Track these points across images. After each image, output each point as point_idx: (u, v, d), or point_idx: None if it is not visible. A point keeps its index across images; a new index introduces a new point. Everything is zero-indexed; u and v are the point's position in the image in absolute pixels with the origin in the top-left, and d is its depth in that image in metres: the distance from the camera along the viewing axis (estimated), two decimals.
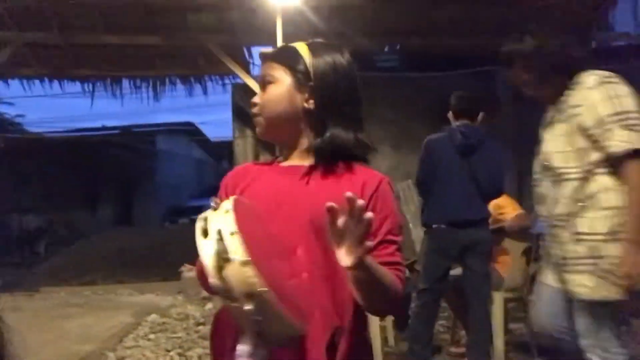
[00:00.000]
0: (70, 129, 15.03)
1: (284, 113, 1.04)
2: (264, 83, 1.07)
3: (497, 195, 3.10)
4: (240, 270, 0.75)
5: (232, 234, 0.77)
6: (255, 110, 1.08)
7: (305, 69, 1.04)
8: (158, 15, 6.15)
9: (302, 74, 1.04)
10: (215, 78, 7.75)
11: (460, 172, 2.97)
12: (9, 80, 7.76)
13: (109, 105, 9.46)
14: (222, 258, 0.76)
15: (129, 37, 6.42)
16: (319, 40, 1.14)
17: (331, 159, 1.03)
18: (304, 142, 1.06)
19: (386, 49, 7.22)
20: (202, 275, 0.95)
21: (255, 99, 1.08)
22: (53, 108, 16.19)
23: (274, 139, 1.12)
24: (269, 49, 1.22)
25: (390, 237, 1.00)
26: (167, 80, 7.88)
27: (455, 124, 3.05)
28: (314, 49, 1.08)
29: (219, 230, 0.78)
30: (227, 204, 0.82)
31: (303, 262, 0.95)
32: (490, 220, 3.09)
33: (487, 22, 6.27)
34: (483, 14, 6.19)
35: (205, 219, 0.81)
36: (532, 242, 3.22)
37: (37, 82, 7.66)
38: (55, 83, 7.77)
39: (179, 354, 3.66)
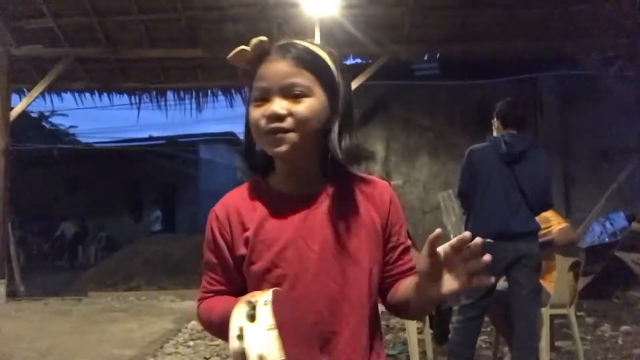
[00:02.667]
0: (118, 139, 15.66)
1: (317, 133, 0.91)
2: (289, 92, 0.89)
3: (547, 207, 2.95)
4: None
5: None
6: (285, 124, 0.88)
7: (336, 87, 0.93)
8: (198, 28, 6.34)
9: (333, 93, 0.92)
10: None
11: (505, 183, 2.85)
12: (62, 94, 8.16)
13: (154, 116, 9.81)
14: None
15: (171, 50, 6.65)
16: (318, 42, 0.99)
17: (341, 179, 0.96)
18: (315, 167, 0.95)
19: (425, 58, 7.13)
20: (208, 325, 0.96)
21: (278, 109, 0.88)
22: (103, 119, 16.95)
23: (294, 159, 0.92)
24: (288, 42, 0.94)
25: (407, 243, 1.00)
26: (209, 91, 8.11)
27: (501, 133, 2.93)
28: (334, 60, 0.95)
29: (260, 357, 0.70)
30: (268, 319, 0.73)
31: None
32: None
33: (528, 26, 6.09)
34: (524, 17, 6.01)
35: (241, 330, 0.73)
36: (580, 256, 3.06)
37: (87, 95, 8.06)
38: (104, 96, 8.15)
39: None
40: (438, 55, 7.11)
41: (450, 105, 7.00)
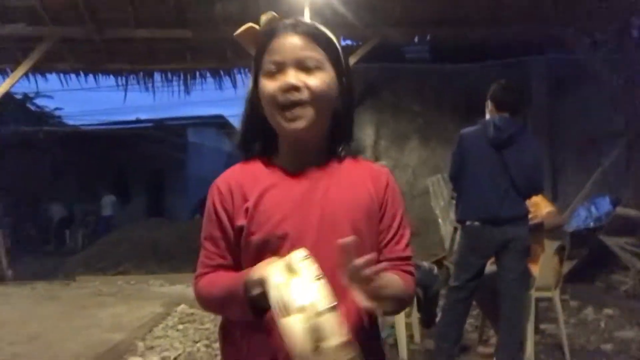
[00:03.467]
0: (105, 122, 15.42)
1: (330, 109, 0.93)
2: (303, 65, 0.90)
3: (536, 191, 2.95)
4: (340, 355, 0.68)
5: (328, 310, 0.69)
6: (302, 96, 0.88)
7: (342, 66, 0.95)
8: (187, 8, 6.22)
9: (341, 70, 0.94)
10: (244, 71, 7.79)
11: (494, 167, 2.84)
12: (47, 75, 7.99)
13: (141, 98, 9.68)
14: (317, 338, 0.67)
15: (159, 31, 6.52)
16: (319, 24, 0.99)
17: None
18: (321, 145, 0.97)
19: (415, 40, 7.08)
20: (209, 301, 0.95)
21: (295, 81, 0.88)
22: (89, 101, 16.71)
23: (306, 138, 0.93)
24: (296, 19, 0.95)
25: (401, 231, 0.99)
26: (197, 73, 7.99)
27: (493, 115, 2.90)
28: (338, 41, 0.96)
29: (309, 305, 0.69)
30: (312, 270, 0.72)
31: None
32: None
33: (519, 10, 6.06)
34: (514, 1, 5.97)
35: (279, 288, 0.72)
36: (565, 240, 3.10)
37: (73, 76, 7.89)
38: (90, 77, 7.99)
39: (206, 345, 3.71)
40: (428, 38, 7.07)
41: (440, 90, 6.98)
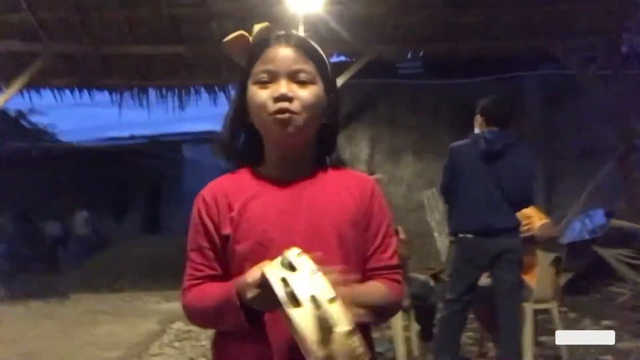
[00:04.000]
0: (100, 138, 15.39)
1: (317, 121, 0.94)
2: (296, 77, 0.92)
3: (527, 203, 2.99)
4: (347, 342, 0.69)
5: (330, 300, 0.70)
6: (292, 106, 0.90)
7: (331, 81, 0.97)
8: (182, 25, 6.27)
9: (329, 84, 0.96)
10: None
11: (485, 179, 2.88)
12: (42, 91, 7.99)
13: (136, 114, 9.67)
14: (324, 328, 0.69)
15: (154, 47, 6.56)
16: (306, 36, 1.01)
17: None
18: (308, 154, 0.98)
19: (409, 56, 7.17)
20: (200, 313, 0.93)
21: (287, 91, 0.90)
22: (84, 117, 16.64)
23: (294, 144, 0.95)
24: (289, 31, 0.97)
25: (387, 240, 0.99)
26: (192, 89, 8.02)
27: (483, 130, 2.94)
28: (328, 57, 0.98)
29: (313, 297, 0.71)
30: (309, 264, 0.74)
31: None
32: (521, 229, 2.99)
33: (511, 27, 6.16)
34: (507, 18, 6.08)
35: (284, 281, 0.73)
36: (561, 252, 3.11)
37: (67, 92, 7.89)
38: (85, 93, 7.99)
39: None
40: (421, 54, 7.16)
41: (434, 104, 7.05)
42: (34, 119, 15.22)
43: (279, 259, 0.77)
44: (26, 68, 6.46)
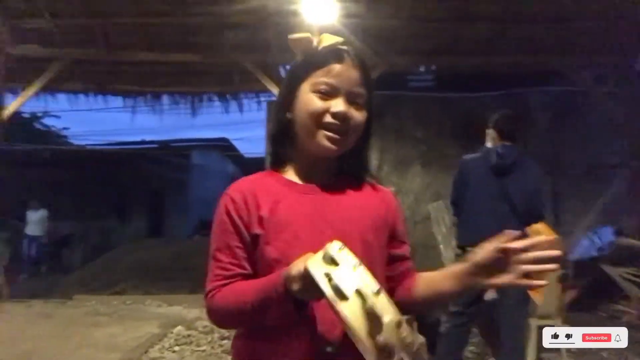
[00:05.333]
0: (111, 142, 15.56)
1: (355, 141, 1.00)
2: (353, 99, 0.97)
3: (536, 218, 2.96)
4: (396, 332, 0.72)
5: (376, 293, 0.73)
6: (346, 126, 0.95)
7: (372, 109, 1.02)
8: (196, 33, 6.36)
9: (371, 111, 1.01)
10: (250, 95, 7.91)
11: (494, 193, 2.88)
12: (56, 94, 8.11)
13: (148, 120, 9.79)
14: (373, 320, 0.71)
15: (168, 54, 6.65)
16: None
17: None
18: (334, 163, 1.02)
19: (422, 69, 7.20)
20: (233, 312, 0.92)
21: (345, 110, 0.95)
22: (97, 121, 16.81)
23: (330, 158, 1.00)
24: (359, 52, 1.02)
25: (408, 247, 1.08)
26: (204, 96, 8.11)
27: (495, 144, 2.95)
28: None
29: (358, 291, 0.73)
30: (351, 258, 0.76)
31: None
32: None
33: (520, 42, 6.18)
34: (519, 33, 6.10)
35: (329, 276, 0.74)
36: (568, 268, 3.08)
37: (81, 96, 8.01)
38: (99, 97, 8.11)
39: None
40: (433, 67, 7.19)
41: (442, 117, 7.07)
42: (48, 121, 15.44)
43: (321, 253, 0.78)
44: (43, 72, 6.57)
